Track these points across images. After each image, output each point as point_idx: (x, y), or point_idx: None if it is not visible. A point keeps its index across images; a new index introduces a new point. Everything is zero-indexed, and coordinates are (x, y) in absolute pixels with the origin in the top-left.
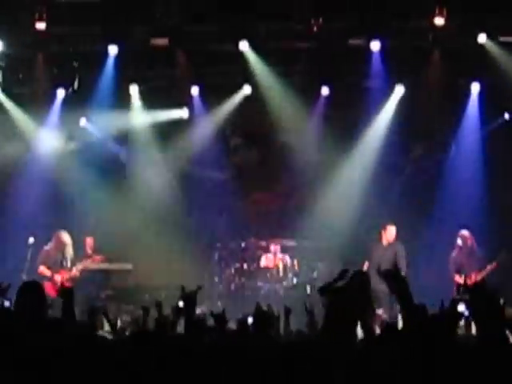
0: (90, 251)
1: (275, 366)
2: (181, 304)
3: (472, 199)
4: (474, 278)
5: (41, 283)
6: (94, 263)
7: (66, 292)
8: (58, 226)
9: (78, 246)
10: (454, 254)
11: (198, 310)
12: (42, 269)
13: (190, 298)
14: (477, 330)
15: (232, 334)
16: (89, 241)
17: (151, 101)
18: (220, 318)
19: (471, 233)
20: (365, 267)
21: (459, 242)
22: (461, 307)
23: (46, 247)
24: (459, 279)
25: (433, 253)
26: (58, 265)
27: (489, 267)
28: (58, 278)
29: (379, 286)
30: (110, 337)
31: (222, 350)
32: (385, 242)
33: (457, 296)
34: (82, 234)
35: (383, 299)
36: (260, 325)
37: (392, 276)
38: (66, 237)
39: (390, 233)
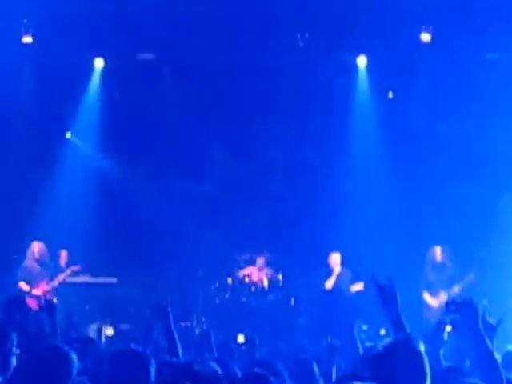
0: (63, 264)
1: None
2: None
3: (450, 215)
4: (442, 297)
5: (23, 297)
6: (73, 273)
7: (49, 305)
8: (41, 239)
9: (52, 258)
10: (425, 270)
11: (182, 325)
12: (22, 284)
13: (162, 312)
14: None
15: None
16: (63, 254)
17: (137, 114)
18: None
19: (443, 249)
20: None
21: (429, 255)
22: (448, 328)
23: (24, 263)
24: (428, 298)
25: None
26: (37, 278)
27: (455, 289)
28: (37, 291)
29: None
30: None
31: None
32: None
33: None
34: (58, 247)
35: None
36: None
37: (386, 288)
38: (41, 248)
39: (334, 260)
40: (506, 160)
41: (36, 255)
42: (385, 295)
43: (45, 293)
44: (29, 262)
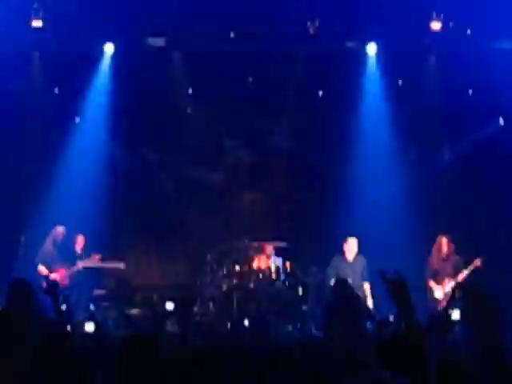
0: (79, 250)
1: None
2: (169, 306)
3: (456, 205)
4: (447, 283)
5: (27, 281)
6: (94, 262)
7: (52, 287)
8: (49, 223)
9: (69, 242)
10: (431, 259)
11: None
12: (40, 267)
13: (185, 303)
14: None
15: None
16: (80, 239)
17: (147, 100)
18: None
19: (450, 239)
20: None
21: (436, 247)
22: (455, 314)
23: (44, 245)
24: (434, 285)
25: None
26: (56, 262)
27: (461, 275)
28: (55, 276)
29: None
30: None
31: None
32: (349, 256)
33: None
34: (72, 232)
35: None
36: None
37: (396, 283)
38: (61, 231)
39: (351, 246)
40: None
41: (59, 239)
42: (395, 290)
43: (63, 278)
44: (49, 246)
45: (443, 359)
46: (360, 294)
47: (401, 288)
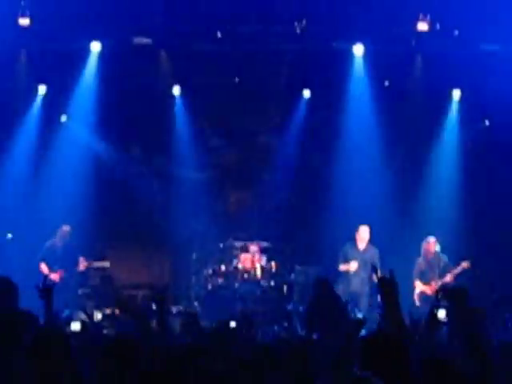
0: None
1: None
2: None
3: (446, 207)
4: (434, 285)
5: (8, 279)
6: (85, 262)
7: (47, 289)
8: (35, 221)
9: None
10: (419, 260)
11: (175, 310)
12: (42, 266)
13: (160, 297)
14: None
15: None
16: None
17: (133, 99)
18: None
19: (437, 241)
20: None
21: (424, 247)
22: (441, 314)
23: (49, 243)
24: (419, 285)
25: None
26: (58, 261)
27: (448, 276)
28: (54, 277)
29: (360, 288)
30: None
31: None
32: (360, 245)
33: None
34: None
35: (362, 301)
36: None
37: (387, 282)
38: (67, 229)
39: (362, 235)
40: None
41: (66, 239)
42: (385, 289)
43: (60, 279)
44: (55, 244)
45: (428, 359)
46: (366, 285)
47: (391, 287)
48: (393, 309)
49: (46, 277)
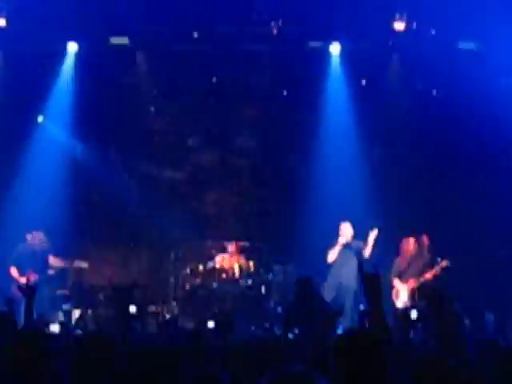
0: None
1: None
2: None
3: (425, 206)
4: (412, 284)
5: None
6: (56, 262)
7: (29, 291)
8: (11, 223)
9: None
10: (398, 259)
11: (152, 308)
12: (12, 269)
13: (123, 294)
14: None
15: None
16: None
17: (110, 99)
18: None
19: (417, 240)
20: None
21: (403, 247)
22: (413, 314)
23: (20, 247)
24: (398, 284)
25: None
26: (28, 266)
27: (427, 275)
28: (23, 280)
29: (346, 281)
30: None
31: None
32: (342, 240)
33: (411, 302)
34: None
35: (349, 294)
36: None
37: (371, 277)
38: (41, 236)
39: (344, 230)
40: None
41: (37, 245)
42: (368, 284)
43: (27, 281)
44: (26, 249)
45: (405, 357)
46: (352, 279)
47: (374, 283)
48: (376, 305)
49: (17, 281)
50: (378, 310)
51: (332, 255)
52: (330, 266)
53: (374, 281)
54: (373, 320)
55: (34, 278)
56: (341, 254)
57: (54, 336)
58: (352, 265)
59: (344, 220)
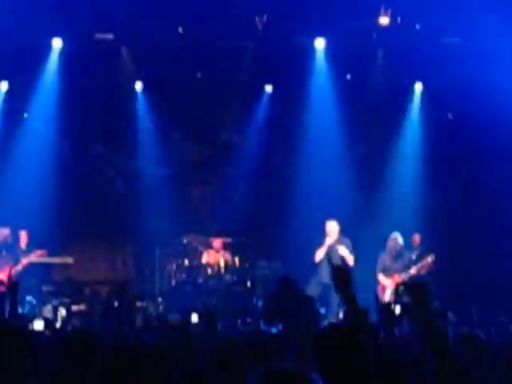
0: (23, 245)
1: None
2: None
3: (409, 202)
4: (397, 279)
5: None
6: (37, 257)
7: (13, 286)
8: None
9: (14, 239)
10: (383, 255)
11: (139, 305)
12: None
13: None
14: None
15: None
16: (23, 234)
17: (95, 95)
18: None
19: (401, 236)
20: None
21: (388, 243)
22: (397, 309)
23: None
24: (382, 279)
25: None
26: (1, 262)
27: (412, 271)
28: (0, 276)
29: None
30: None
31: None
32: (328, 239)
33: (394, 297)
34: (18, 227)
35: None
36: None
37: (341, 270)
38: (6, 233)
39: (330, 228)
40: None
41: (4, 240)
42: (339, 278)
43: (9, 277)
44: None
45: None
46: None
47: (343, 275)
48: (346, 296)
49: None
50: (349, 298)
51: (319, 255)
52: (317, 264)
53: (342, 273)
54: (348, 309)
55: (8, 271)
56: (327, 253)
57: (37, 333)
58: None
59: (329, 219)
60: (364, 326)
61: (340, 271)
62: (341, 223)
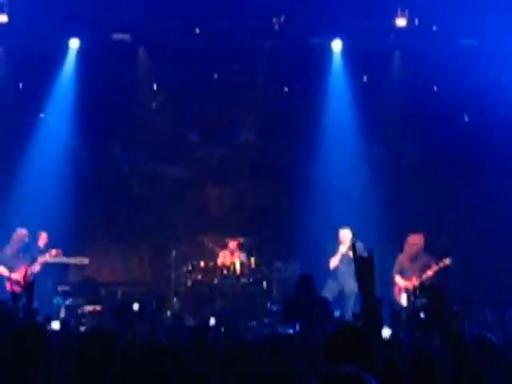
0: (42, 246)
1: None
2: (135, 307)
3: (426, 203)
4: (414, 281)
5: None
6: (52, 257)
7: (28, 286)
8: (14, 220)
9: (31, 240)
10: (401, 256)
11: (153, 305)
12: (1, 269)
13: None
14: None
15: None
16: (43, 235)
17: (112, 95)
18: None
19: (420, 238)
20: (331, 266)
21: (406, 245)
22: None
23: (5, 248)
24: (400, 280)
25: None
26: (17, 263)
27: (429, 272)
28: (16, 276)
29: (349, 288)
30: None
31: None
32: (342, 247)
33: (411, 299)
34: (35, 229)
35: (350, 298)
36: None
37: (365, 260)
38: (24, 234)
39: (343, 236)
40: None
41: (22, 241)
42: (361, 266)
43: (24, 278)
44: (10, 248)
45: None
46: (352, 283)
47: (367, 265)
48: (367, 286)
49: (9, 278)
50: (369, 293)
51: (333, 262)
52: (332, 271)
53: (366, 264)
54: (364, 306)
55: (27, 272)
56: (342, 260)
57: (54, 333)
58: (350, 272)
59: (343, 227)
60: (375, 319)
61: (363, 262)
62: (353, 230)
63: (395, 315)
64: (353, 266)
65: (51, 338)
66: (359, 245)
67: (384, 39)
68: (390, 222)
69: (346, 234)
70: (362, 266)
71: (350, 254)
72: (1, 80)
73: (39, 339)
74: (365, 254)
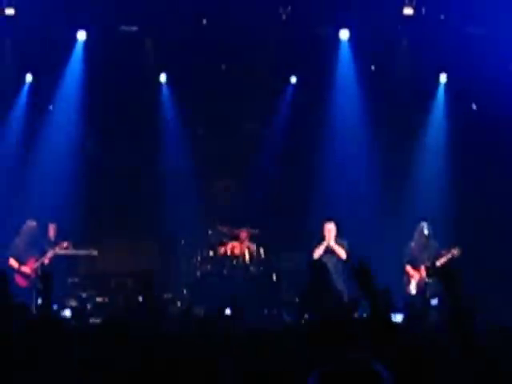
0: (52, 238)
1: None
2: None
3: (435, 192)
4: (423, 271)
5: (3, 270)
6: (62, 249)
7: (45, 278)
8: (23, 211)
9: (41, 232)
10: (410, 245)
11: (164, 297)
12: (11, 261)
13: (146, 283)
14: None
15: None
16: (52, 228)
17: (119, 87)
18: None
19: (429, 226)
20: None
21: (416, 234)
22: (434, 301)
23: (16, 239)
24: (410, 270)
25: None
26: (27, 255)
27: (438, 261)
28: (25, 269)
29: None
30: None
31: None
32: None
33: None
34: (45, 220)
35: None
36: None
37: (361, 271)
38: (34, 226)
39: (327, 229)
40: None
41: (31, 233)
42: (358, 278)
43: (33, 270)
44: (21, 240)
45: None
46: (339, 280)
47: (363, 275)
48: (369, 294)
49: (18, 270)
50: (373, 299)
51: (317, 253)
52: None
53: (362, 274)
54: (372, 308)
55: (34, 264)
56: (326, 258)
57: (66, 320)
58: (338, 269)
59: (327, 220)
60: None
61: (361, 271)
62: (338, 224)
63: (407, 304)
64: (334, 259)
65: (64, 327)
66: (343, 242)
67: (392, 28)
68: (400, 210)
69: (330, 226)
70: (359, 277)
71: (334, 246)
72: (9, 72)
73: (55, 333)
74: (363, 264)
